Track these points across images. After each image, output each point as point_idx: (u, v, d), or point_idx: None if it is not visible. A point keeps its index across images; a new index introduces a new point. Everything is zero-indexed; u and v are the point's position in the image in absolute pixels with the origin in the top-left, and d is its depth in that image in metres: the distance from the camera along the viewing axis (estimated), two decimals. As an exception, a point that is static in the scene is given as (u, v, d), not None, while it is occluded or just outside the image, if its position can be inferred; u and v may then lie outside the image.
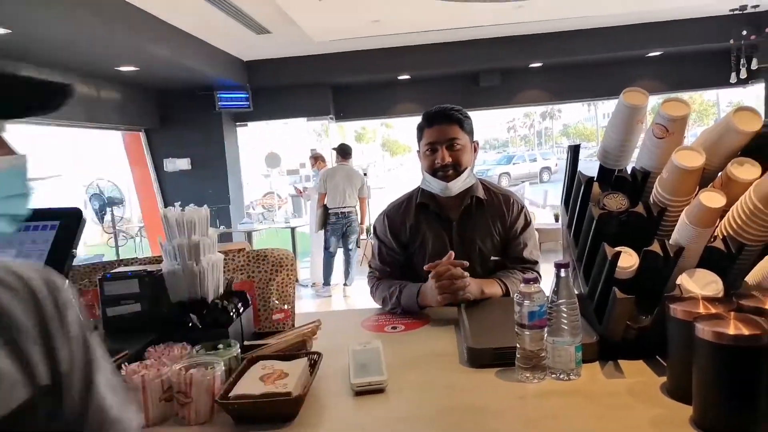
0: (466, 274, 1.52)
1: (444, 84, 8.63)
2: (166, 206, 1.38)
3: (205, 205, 1.40)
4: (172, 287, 1.32)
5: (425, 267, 1.55)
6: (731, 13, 6.94)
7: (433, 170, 1.69)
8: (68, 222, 1.29)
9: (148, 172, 7.98)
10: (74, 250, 1.30)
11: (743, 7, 6.82)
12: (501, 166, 21.78)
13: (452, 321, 1.50)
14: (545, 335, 1.12)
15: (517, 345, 1.13)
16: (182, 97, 7.62)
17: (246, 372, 1.11)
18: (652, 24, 7.36)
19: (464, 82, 8.61)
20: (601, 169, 1.46)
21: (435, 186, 1.70)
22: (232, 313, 1.30)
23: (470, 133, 1.73)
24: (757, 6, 6.85)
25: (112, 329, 1.29)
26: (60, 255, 1.28)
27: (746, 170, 1.17)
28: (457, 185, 1.68)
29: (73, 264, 1.44)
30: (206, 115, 7.75)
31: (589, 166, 1.47)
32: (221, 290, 1.40)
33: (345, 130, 22.44)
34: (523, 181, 13.01)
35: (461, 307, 1.48)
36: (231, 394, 1.02)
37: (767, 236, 1.12)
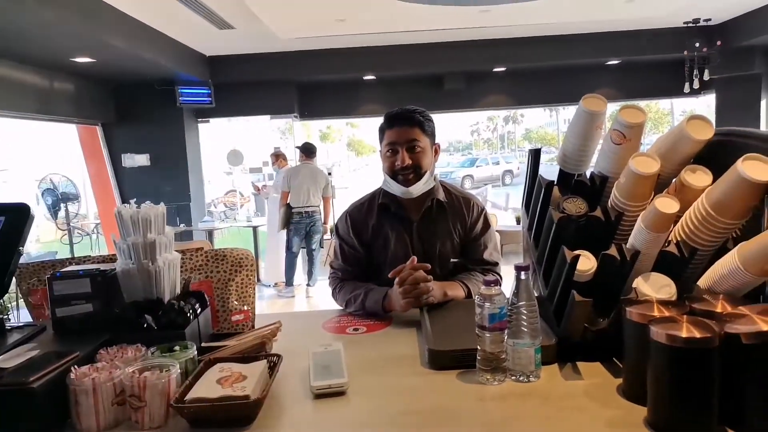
0: (430, 278, 1.52)
1: (409, 85, 8.67)
2: (123, 203, 1.34)
3: (162, 203, 1.36)
4: (126, 287, 1.28)
5: (390, 275, 1.55)
6: (685, 25, 7.20)
7: (394, 172, 1.69)
8: (14, 218, 1.23)
9: (104, 167, 7.74)
10: (21, 248, 1.25)
11: (696, 20, 7.09)
12: (464, 168, 22.03)
13: (414, 323, 1.49)
14: (505, 337, 1.13)
15: (478, 347, 1.13)
16: (141, 91, 7.42)
17: (203, 374, 1.08)
18: (611, 33, 7.58)
19: (429, 85, 8.66)
20: (561, 173, 1.48)
21: (395, 188, 1.70)
22: (189, 314, 1.26)
23: (431, 135, 1.74)
24: (709, 20, 7.14)
25: (62, 330, 1.23)
26: (5, 252, 1.23)
27: (698, 177, 1.21)
28: (418, 188, 1.69)
29: (22, 262, 1.38)
30: (167, 110, 7.56)
31: (549, 170, 1.50)
32: (178, 290, 1.36)
33: (310, 129, 22.29)
34: (485, 184, 13.20)
35: (423, 310, 1.49)
36: (187, 397, 1.00)
37: (718, 241, 1.16)
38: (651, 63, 8.30)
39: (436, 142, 1.77)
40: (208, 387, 1.03)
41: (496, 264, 1.76)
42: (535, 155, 1.55)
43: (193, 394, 1.00)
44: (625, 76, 8.55)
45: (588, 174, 1.45)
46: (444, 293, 1.57)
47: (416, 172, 1.68)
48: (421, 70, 8.18)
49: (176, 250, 1.39)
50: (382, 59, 7.79)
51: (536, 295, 1.39)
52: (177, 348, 1.15)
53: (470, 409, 1.04)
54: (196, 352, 1.16)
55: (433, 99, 8.55)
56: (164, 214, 1.35)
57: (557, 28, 7.32)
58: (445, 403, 1.06)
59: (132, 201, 1.32)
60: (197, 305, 1.33)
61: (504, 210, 8.99)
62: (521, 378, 1.12)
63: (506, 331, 1.12)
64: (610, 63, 8.35)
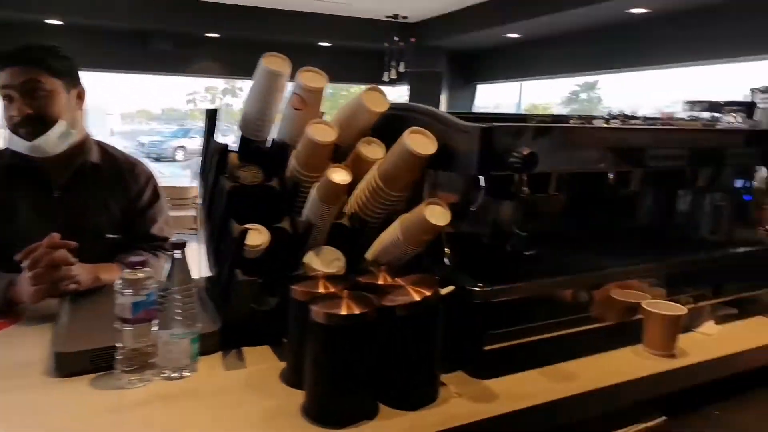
0: (74, 259, 1.21)
1: (107, 39, 7.63)
2: None
3: None
4: None
5: (16, 257, 1.18)
6: (387, 19, 7.91)
7: (14, 125, 1.33)
8: None
9: None
10: None
11: (396, 16, 7.85)
12: (177, 139, 20.60)
13: (53, 318, 1.17)
14: (155, 329, 0.93)
15: (118, 344, 0.91)
16: None
17: None
18: (326, 16, 7.89)
19: (131, 42, 7.77)
20: (243, 139, 1.34)
21: (19, 145, 1.34)
22: None
23: (67, 76, 1.40)
24: (407, 17, 7.98)
25: None
26: None
27: (373, 150, 1.20)
28: (49, 142, 1.35)
29: None
30: None
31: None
32: None
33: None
34: (198, 156, 12.55)
35: (66, 300, 1.18)
36: None
37: (386, 213, 1.16)
38: (358, 50, 8.93)
39: (79, 85, 1.44)
40: None
41: (167, 239, 1.53)
42: (210, 117, 1.37)
43: None
44: (334, 59, 8.98)
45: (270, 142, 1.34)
46: (96, 278, 1.27)
47: (42, 123, 1.34)
48: (120, 22, 7.22)
49: None
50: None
51: (208, 276, 1.24)
52: None
53: (100, 426, 0.82)
54: None
55: (136, 58, 7.75)
56: None
57: (274, 2, 7.28)
58: (67, 422, 0.82)
59: None
60: None
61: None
62: (173, 375, 0.94)
63: (156, 321, 0.93)
64: (321, 44, 8.68)
